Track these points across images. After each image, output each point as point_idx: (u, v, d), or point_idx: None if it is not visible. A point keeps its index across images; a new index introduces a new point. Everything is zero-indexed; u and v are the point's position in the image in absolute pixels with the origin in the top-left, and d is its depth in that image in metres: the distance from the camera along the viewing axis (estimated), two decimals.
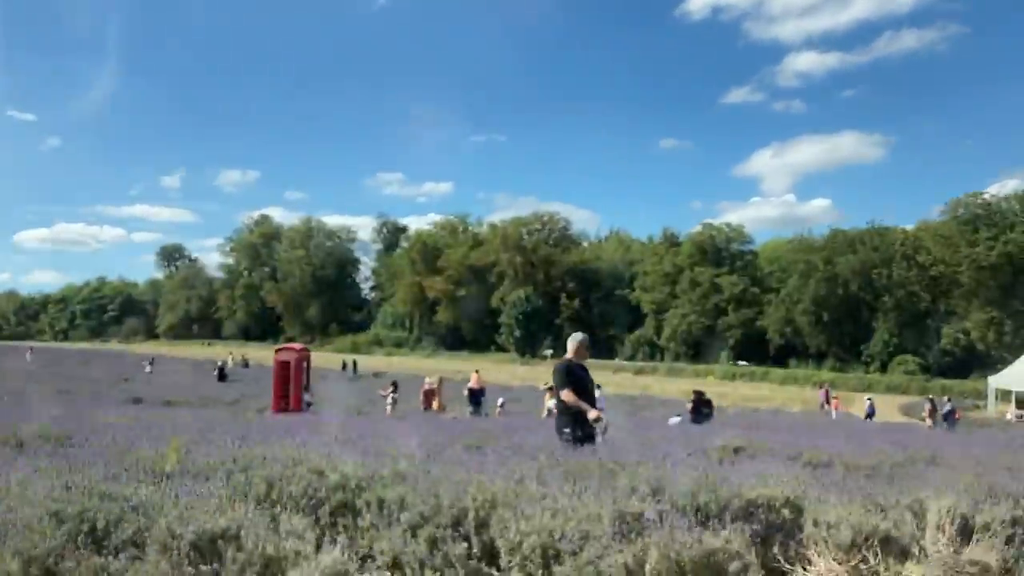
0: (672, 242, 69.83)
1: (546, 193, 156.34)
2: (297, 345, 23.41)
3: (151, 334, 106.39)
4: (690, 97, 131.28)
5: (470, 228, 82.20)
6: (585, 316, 73.21)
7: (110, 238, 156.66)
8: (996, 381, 39.66)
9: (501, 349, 73.05)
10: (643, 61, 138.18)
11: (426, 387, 20.37)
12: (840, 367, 58.14)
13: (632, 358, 68.08)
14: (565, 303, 71.83)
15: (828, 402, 27.02)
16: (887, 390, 52.92)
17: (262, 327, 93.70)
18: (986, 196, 56.66)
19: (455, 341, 77.88)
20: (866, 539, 4.09)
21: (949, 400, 26.09)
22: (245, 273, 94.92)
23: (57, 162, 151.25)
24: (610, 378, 56.98)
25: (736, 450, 8.42)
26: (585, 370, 7.04)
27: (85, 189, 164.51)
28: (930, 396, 26.42)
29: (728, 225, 66.06)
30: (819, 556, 4.14)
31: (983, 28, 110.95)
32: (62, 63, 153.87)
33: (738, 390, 50.15)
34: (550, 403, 20.15)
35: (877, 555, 4.04)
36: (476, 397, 19.82)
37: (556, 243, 77.40)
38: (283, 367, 21.33)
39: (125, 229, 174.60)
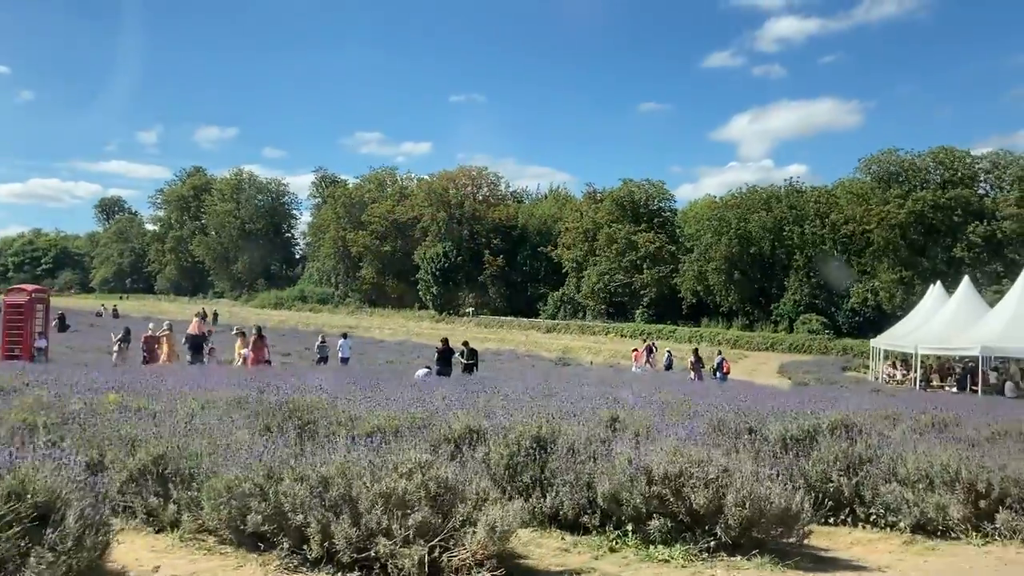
0: (594, 198, 68.18)
1: (525, 155, 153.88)
2: (30, 287, 21.72)
3: (86, 287, 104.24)
4: (670, 61, 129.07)
5: (399, 182, 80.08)
6: (509, 273, 71.86)
7: (85, 194, 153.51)
8: (877, 342, 38.82)
9: (424, 306, 71.77)
10: (623, 23, 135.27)
11: (148, 334, 18.90)
12: (750, 325, 57.29)
13: (554, 316, 66.96)
14: (489, 259, 70.28)
15: (650, 356, 25.87)
16: (790, 349, 52.14)
17: (193, 281, 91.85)
18: (900, 154, 55.31)
19: (380, 297, 76.42)
20: None
21: (720, 353, 25.09)
22: (176, 226, 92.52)
23: (31, 116, 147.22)
24: (512, 335, 56.09)
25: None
26: None
27: (60, 144, 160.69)
28: (695, 348, 25.32)
29: (648, 181, 64.42)
30: None
31: None
32: (36, 14, 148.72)
33: (628, 346, 49.24)
34: (243, 351, 18.83)
35: None
36: (195, 344, 18.44)
37: (484, 199, 75.55)
38: (14, 310, 19.83)
39: (101, 185, 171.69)
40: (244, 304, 80.00)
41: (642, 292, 61.48)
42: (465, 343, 20.40)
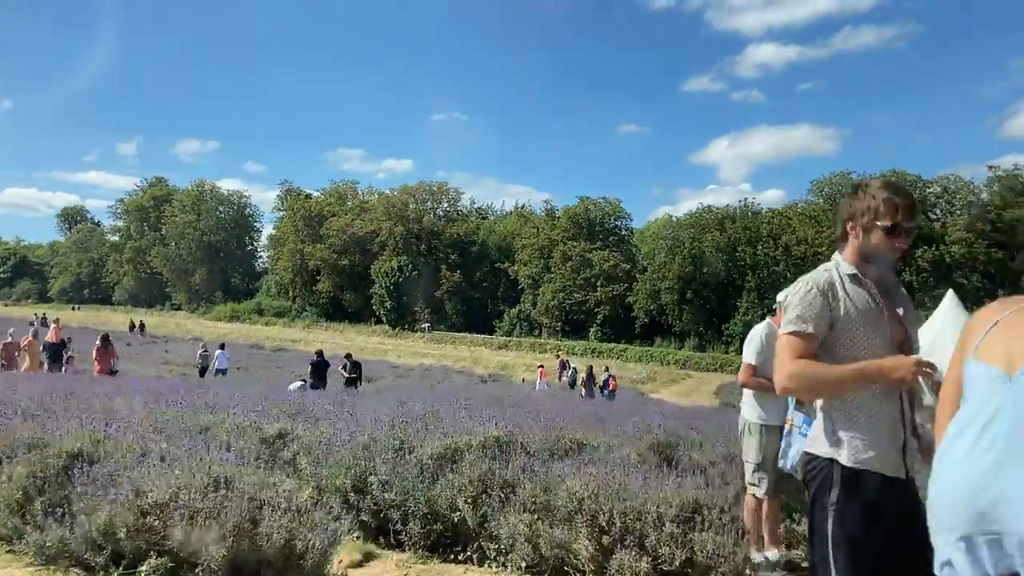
0: (552, 215, 67.78)
1: (506, 174, 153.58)
2: None
3: (45, 297, 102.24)
4: (651, 84, 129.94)
5: (360, 196, 79.33)
6: (466, 289, 71.14)
7: (62, 204, 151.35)
8: None
9: (380, 321, 70.77)
10: (606, 46, 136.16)
11: (7, 341, 17.84)
12: (702, 346, 56.81)
13: (510, 333, 66.19)
14: (446, 275, 69.54)
15: (563, 372, 25.21)
16: (738, 370, 51.67)
17: (151, 293, 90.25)
18: (853, 176, 55.29)
19: (337, 311, 75.32)
20: None
21: (607, 369, 24.62)
22: (135, 236, 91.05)
23: (10, 125, 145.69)
24: (459, 351, 55.13)
25: None
26: None
27: (39, 154, 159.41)
28: (590, 365, 24.78)
29: (604, 199, 64.11)
30: None
31: (939, 28, 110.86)
32: (17, 24, 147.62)
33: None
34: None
35: None
36: (54, 351, 17.45)
37: (445, 215, 74.99)
38: None
39: (79, 195, 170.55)
40: (201, 316, 78.56)
41: (596, 310, 60.92)
42: (348, 355, 19.57)
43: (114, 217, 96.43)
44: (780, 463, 4.88)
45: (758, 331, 5.09)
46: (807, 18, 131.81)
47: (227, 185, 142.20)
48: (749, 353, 5.02)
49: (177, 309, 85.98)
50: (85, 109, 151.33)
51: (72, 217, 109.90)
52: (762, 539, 4.90)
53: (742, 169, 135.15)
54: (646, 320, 59.19)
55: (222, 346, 22.32)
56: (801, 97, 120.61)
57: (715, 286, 57.57)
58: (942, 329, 27.75)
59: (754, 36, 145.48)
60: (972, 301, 50.23)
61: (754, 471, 4.95)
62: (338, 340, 60.09)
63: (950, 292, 30.86)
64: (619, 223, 64.62)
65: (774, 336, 5.09)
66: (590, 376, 21.79)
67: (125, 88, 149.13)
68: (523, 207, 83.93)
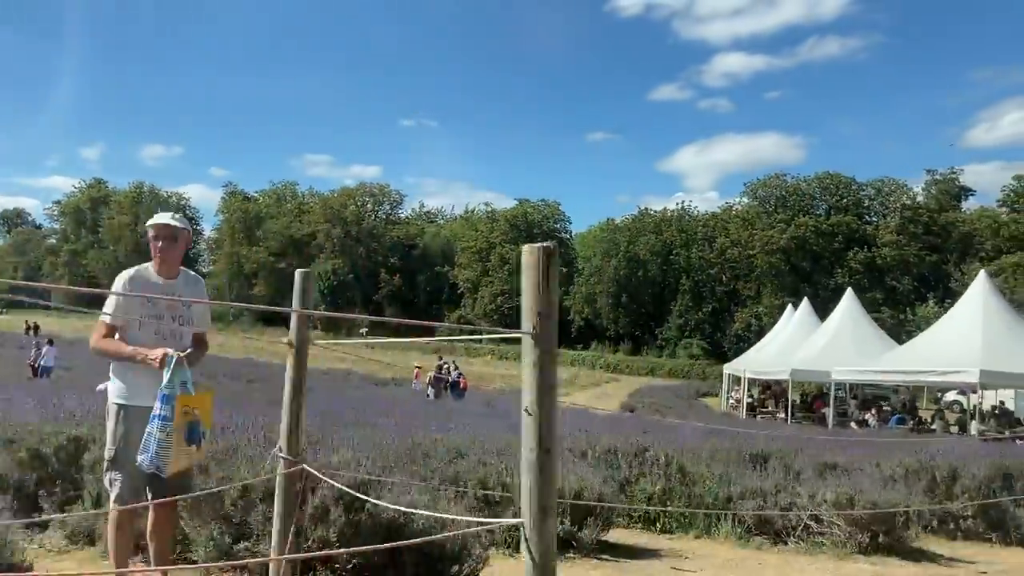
0: (492, 218, 66.76)
1: (476, 181, 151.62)
2: None
3: None
4: (619, 92, 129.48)
5: (299, 197, 77.69)
6: (407, 293, 69.81)
7: (24, 208, 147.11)
8: (728, 367, 37.66)
9: (315, 326, 69.13)
10: (574, 54, 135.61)
11: None
12: (637, 349, 56.02)
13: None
14: (384, 279, 68.16)
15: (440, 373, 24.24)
16: (669, 374, 50.75)
17: (87, 297, 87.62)
18: (787, 179, 55.06)
19: (275, 316, 73.46)
20: None
21: (456, 369, 23.88)
22: (72, 239, 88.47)
23: None
24: (382, 355, 53.64)
25: None
26: None
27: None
28: (439, 364, 24.00)
29: (544, 202, 63.21)
30: None
31: (903, 39, 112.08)
32: None
33: (500, 369, 47.39)
34: None
35: None
36: None
37: (386, 217, 73.62)
38: None
39: (40, 200, 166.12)
40: None
41: None
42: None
43: (51, 219, 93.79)
44: (139, 458, 3.62)
45: (122, 277, 3.82)
46: (773, 28, 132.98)
47: (191, 191, 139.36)
48: (106, 306, 3.76)
49: None
50: (47, 113, 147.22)
51: (11, 220, 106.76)
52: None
53: (709, 176, 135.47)
54: (582, 324, 58.27)
55: (50, 342, 20.95)
56: (768, 106, 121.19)
57: (650, 289, 56.86)
58: (840, 327, 26.58)
59: (721, 45, 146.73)
60: (904, 304, 49.95)
61: (107, 468, 3.68)
62: (266, 345, 58.41)
63: (849, 291, 29.90)
64: (558, 226, 63.75)
65: (149, 284, 3.81)
66: (438, 376, 20.99)
67: (88, 93, 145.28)
68: (473, 211, 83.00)
